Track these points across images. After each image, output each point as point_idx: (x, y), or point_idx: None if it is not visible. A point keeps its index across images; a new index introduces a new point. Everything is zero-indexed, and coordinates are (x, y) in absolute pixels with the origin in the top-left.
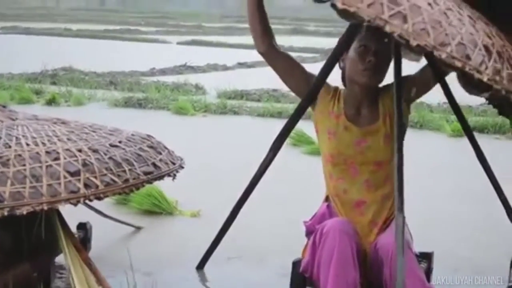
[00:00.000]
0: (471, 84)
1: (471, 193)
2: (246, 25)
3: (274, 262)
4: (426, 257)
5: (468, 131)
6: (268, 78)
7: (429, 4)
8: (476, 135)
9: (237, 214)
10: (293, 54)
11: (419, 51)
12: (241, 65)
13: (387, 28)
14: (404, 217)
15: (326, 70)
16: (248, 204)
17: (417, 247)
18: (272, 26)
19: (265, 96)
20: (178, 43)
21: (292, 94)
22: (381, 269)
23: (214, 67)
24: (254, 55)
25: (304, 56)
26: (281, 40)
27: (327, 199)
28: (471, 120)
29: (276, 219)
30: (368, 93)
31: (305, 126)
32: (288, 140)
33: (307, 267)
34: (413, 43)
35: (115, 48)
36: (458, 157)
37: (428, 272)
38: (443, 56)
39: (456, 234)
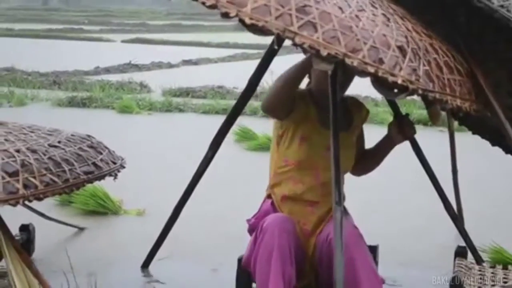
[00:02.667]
0: (386, 86)
1: (413, 185)
2: (191, 22)
3: (216, 259)
4: (371, 251)
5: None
6: (213, 75)
7: (340, 8)
8: (420, 128)
9: (179, 212)
10: (237, 51)
11: (330, 60)
12: (186, 62)
13: (297, 40)
14: (342, 211)
15: (262, 69)
16: (193, 201)
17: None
18: (217, 23)
19: (211, 93)
20: (123, 41)
21: (237, 90)
22: (333, 260)
23: (159, 65)
24: (199, 52)
25: (249, 53)
26: (226, 37)
27: (269, 196)
28: (415, 113)
29: (219, 216)
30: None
31: (249, 123)
32: (232, 136)
33: (249, 262)
34: (324, 52)
35: (58, 48)
36: (402, 150)
37: None
38: (355, 63)
39: (399, 226)
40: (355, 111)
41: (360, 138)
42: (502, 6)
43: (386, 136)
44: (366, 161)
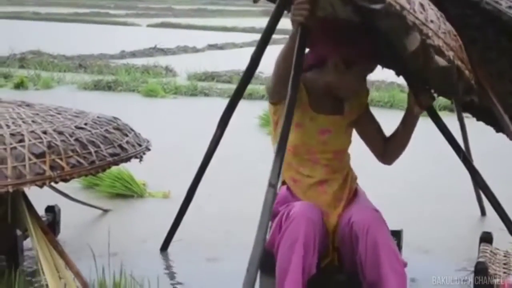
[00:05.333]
0: None
1: (439, 170)
2: (217, 7)
3: (237, 241)
4: (395, 235)
5: (432, 111)
6: (238, 60)
7: None
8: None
9: (193, 194)
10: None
11: None
12: (212, 46)
13: None
14: (274, 193)
15: (260, 50)
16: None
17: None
18: (243, 8)
19: (236, 77)
20: (148, 26)
21: (262, 75)
22: (355, 244)
23: (184, 49)
24: (225, 37)
25: (274, 38)
26: (251, 22)
27: (283, 183)
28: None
29: (240, 199)
30: None
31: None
32: (257, 121)
33: (272, 244)
34: None
35: (85, 31)
36: (427, 136)
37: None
38: None
39: (422, 211)
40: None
41: (368, 120)
42: (510, 7)
43: (406, 110)
44: (392, 144)
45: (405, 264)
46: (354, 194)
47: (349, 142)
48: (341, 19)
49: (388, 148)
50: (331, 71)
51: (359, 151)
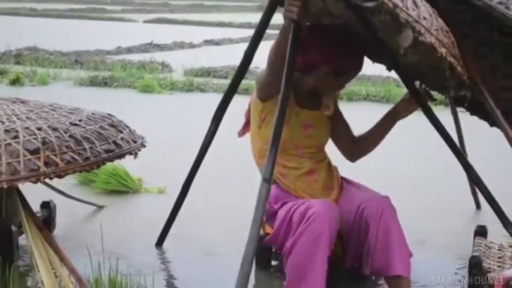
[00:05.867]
0: None
1: (434, 165)
2: (213, 2)
3: (233, 236)
4: None
5: (423, 104)
6: (234, 55)
7: None
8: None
9: (188, 189)
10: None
11: None
12: (208, 42)
13: None
14: (267, 188)
15: (253, 46)
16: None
17: None
18: (239, 4)
19: (232, 73)
20: (144, 21)
21: (259, 70)
22: (363, 230)
23: (180, 45)
24: (221, 33)
25: (270, 33)
26: (248, 17)
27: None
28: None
29: (235, 194)
30: None
31: None
32: None
33: (275, 240)
34: None
35: (80, 27)
36: (422, 131)
37: None
38: None
39: (416, 205)
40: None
41: (339, 118)
42: (501, 3)
43: (391, 111)
44: (367, 143)
45: (411, 254)
46: (342, 183)
47: (329, 136)
48: (340, 30)
49: (361, 146)
50: (321, 77)
51: None
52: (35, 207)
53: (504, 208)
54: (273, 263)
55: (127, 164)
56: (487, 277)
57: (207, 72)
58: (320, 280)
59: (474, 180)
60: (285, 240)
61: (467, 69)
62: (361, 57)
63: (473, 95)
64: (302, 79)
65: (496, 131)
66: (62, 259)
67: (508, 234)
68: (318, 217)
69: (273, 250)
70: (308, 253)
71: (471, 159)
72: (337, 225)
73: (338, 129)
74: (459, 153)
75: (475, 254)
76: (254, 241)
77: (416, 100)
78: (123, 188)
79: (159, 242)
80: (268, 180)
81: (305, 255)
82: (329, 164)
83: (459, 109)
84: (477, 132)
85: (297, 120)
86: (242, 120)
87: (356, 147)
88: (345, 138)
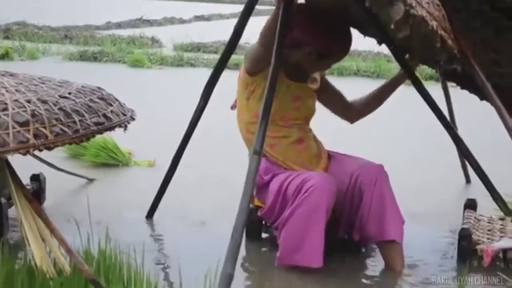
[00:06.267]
0: None
1: (425, 138)
2: None
3: (223, 208)
4: None
5: (413, 78)
6: (225, 31)
7: None
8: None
9: (178, 163)
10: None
11: None
12: (198, 18)
13: None
14: (258, 160)
15: (243, 21)
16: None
17: None
18: None
19: (222, 48)
20: None
21: (249, 46)
22: (357, 198)
23: (170, 20)
24: (211, 8)
25: (260, 9)
26: None
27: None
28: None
29: (225, 167)
30: None
31: None
32: None
33: (271, 214)
34: None
35: (70, 2)
36: (414, 105)
37: None
38: None
39: (407, 179)
40: None
41: (328, 88)
42: None
43: (391, 79)
44: (362, 106)
45: (403, 221)
46: (330, 154)
47: (315, 108)
48: (329, 14)
49: (358, 111)
50: (304, 57)
51: (340, 123)
52: (25, 180)
53: (493, 180)
54: (264, 235)
55: (117, 137)
56: (476, 249)
57: (197, 47)
58: (318, 251)
59: (464, 154)
60: (280, 213)
61: (458, 43)
62: (347, 42)
63: (463, 69)
64: (288, 54)
65: (486, 105)
66: (52, 230)
67: (497, 207)
68: (317, 189)
69: (264, 223)
70: (305, 224)
71: (461, 132)
72: (334, 198)
73: (330, 97)
74: (449, 126)
75: (464, 226)
76: (244, 213)
77: (407, 75)
78: (113, 161)
79: (149, 215)
80: (258, 152)
81: (302, 226)
82: (315, 136)
83: (450, 84)
84: (467, 106)
85: (287, 92)
86: (234, 94)
87: (353, 111)
88: (339, 104)
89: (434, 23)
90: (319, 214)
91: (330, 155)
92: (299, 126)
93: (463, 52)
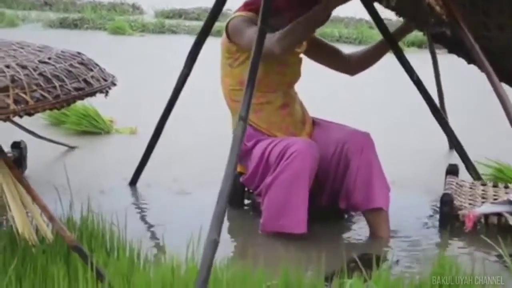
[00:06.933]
0: None
1: (409, 104)
2: None
3: (207, 176)
4: None
5: (393, 44)
6: None
7: None
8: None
9: (161, 130)
10: None
11: None
12: None
13: None
14: (244, 127)
15: None
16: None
17: None
18: None
19: (204, 15)
20: None
21: (231, 12)
22: (343, 166)
23: None
24: None
25: None
26: None
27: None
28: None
29: (208, 135)
30: None
31: None
32: None
33: (253, 180)
34: None
35: None
36: (398, 71)
37: None
38: None
39: (391, 144)
40: None
41: (320, 46)
42: None
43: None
44: (361, 59)
45: (389, 189)
46: (315, 121)
47: (300, 73)
48: None
49: (361, 63)
50: (285, 24)
51: (322, 91)
52: (6, 147)
53: (475, 143)
54: (246, 202)
55: (98, 105)
56: (458, 215)
57: (179, 14)
58: (301, 217)
59: (440, 122)
60: (262, 179)
61: (447, 6)
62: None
63: (453, 32)
64: (271, 21)
65: (472, 70)
66: (34, 198)
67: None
68: (300, 155)
69: (246, 189)
70: (289, 190)
71: (446, 97)
72: (317, 164)
73: (325, 53)
74: (427, 95)
75: (446, 192)
76: (230, 179)
77: (387, 42)
78: (94, 129)
79: (133, 182)
80: (244, 118)
81: (286, 192)
82: (300, 101)
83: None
84: (453, 72)
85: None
86: (215, 61)
87: (352, 63)
88: (336, 59)
89: None
90: (302, 180)
91: (315, 122)
92: (284, 91)
93: (452, 15)
